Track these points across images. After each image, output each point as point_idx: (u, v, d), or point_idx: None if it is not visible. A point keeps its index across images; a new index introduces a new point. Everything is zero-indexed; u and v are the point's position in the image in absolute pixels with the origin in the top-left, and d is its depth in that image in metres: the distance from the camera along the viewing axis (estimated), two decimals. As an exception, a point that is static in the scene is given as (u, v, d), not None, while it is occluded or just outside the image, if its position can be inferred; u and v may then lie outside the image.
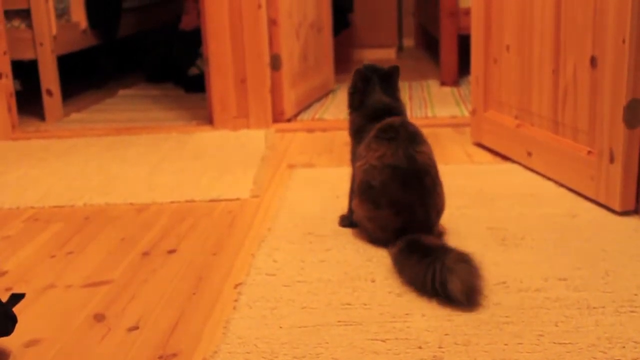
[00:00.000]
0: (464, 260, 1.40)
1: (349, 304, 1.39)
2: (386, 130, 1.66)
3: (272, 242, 1.73)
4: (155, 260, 1.69)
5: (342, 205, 1.97)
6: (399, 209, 1.60)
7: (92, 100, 3.86)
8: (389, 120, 1.69)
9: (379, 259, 1.60)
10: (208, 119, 3.12)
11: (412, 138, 1.64)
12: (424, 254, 1.44)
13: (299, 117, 3.18)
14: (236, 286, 1.52)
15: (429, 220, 1.62)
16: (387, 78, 1.76)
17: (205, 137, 2.88)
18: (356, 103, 1.78)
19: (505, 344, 1.23)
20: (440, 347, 1.23)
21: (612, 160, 1.83)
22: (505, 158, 2.39)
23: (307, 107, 3.38)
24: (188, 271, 1.62)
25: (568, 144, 2.03)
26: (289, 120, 3.11)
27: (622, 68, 1.75)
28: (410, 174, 1.60)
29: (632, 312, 1.32)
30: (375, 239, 1.68)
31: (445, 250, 1.45)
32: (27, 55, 3.27)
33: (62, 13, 3.51)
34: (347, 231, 1.78)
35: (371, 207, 1.64)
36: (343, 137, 2.80)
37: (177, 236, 1.84)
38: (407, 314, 1.34)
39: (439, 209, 1.66)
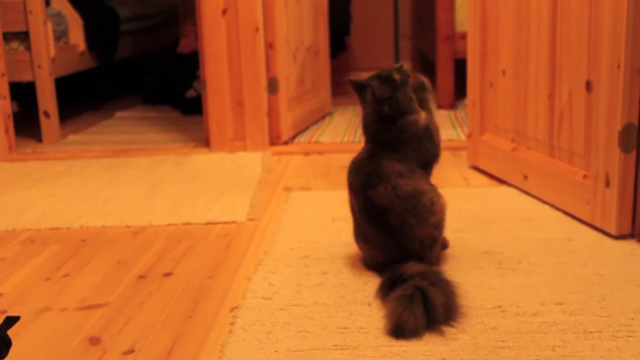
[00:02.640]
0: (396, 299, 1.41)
1: (345, 328, 1.39)
2: (348, 171, 1.68)
3: (268, 265, 1.73)
4: (151, 283, 1.69)
5: (338, 228, 1.97)
6: (374, 245, 1.65)
7: (90, 122, 3.87)
8: (354, 157, 1.69)
9: (376, 283, 1.59)
10: (205, 142, 3.13)
11: (367, 177, 1.61)
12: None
13: (295, 140, 3.19)
14: (232, 310, 1.52)
15: (409, 253, 1.59)
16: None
17: (202, 160, 2.89)
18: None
19: (502, 369, 1.22)
20: (436, 372, 1.22)
21: (607, 184, 1.84)
22: (501, 181, 2.39)
23: (304, 130, 3.39)
24: (184, 294, 1.61)
25: (564, 167, 2.04)
26: (285, 143, 3.12)
27: (617, 93, 1.76)
28: (373, 216, 1.61)
29: (628, 336, 1.32)
30: (368, 266, 1.70)
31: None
32: (25, 77, 3.28)
33: (61, 35, 3.53)
34: (344, 255, 1.78)
35: (359, 239, 1.70)
36: (340, 160, 2.80)
37: (173, 259, 1.84)
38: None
39: (421, 238, 1.59)
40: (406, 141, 1.63)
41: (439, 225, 1.63)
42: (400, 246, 1.59)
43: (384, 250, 1.62)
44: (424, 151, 1.66)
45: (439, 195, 1.64)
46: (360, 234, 1.67)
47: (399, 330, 1.35)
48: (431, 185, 1.65)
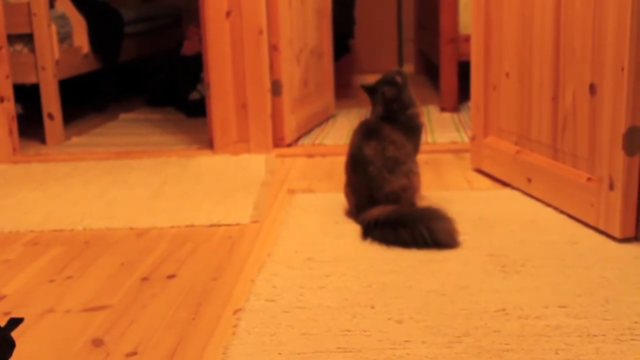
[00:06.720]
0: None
1: (348, 331, 1.39)
2: (357, 126, 2.08)
3: (271, 267, 1.73)
4: (155, 285, 1.69)
5: (341, 230, 1.97)
6: (352, 189, 2.05)
7: (93, 124, 3.87)
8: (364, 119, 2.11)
9: (379, 285, 1.60)
10: (209, 144, 3.13)
11: (367, 134, 2.02)
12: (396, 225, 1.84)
13: (299, 142, 3.19)
14: (235, 312, 1.52)
15: (376, 201, 1.96)
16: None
17: (206, 162, 2.89)
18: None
19: (506, 372, 1.22)
20: (440, 375, 1.22)
21: (611, 187, 1.83)
22: (505, 184, 2.39)
23: (308, 132, 3.40)
24: (187, 296, 1.61)
25: (568, 170, 2.03)
26: (289, 145, 3.12)
27: (621, 95, 1.76)
28: (358, 164, 2.01)
29: (632, 340, 1.31)
30: (349, 213, 2.08)
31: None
32: (29, 79, 3.29)
33: (65, 37, 3.53)
34: (347, 257, 1.78)
35: (345, 185, 2.09)
36: (343, 163, 2.80)
37: (177, 261, 1.84)
38: (406, 341, 1.34)
39: (388, 192, 1.96)
40: (410, 128, 2.07)
41: (407, 189, 1.99)
42: (371, 192, 1.97)
43: (358, 193, 2.01)
44: (417, 140, 2.10)
45: (417, 170, 2.03)
46: (346, 179, 2.07)
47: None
48: (415, 162, 2.04)
